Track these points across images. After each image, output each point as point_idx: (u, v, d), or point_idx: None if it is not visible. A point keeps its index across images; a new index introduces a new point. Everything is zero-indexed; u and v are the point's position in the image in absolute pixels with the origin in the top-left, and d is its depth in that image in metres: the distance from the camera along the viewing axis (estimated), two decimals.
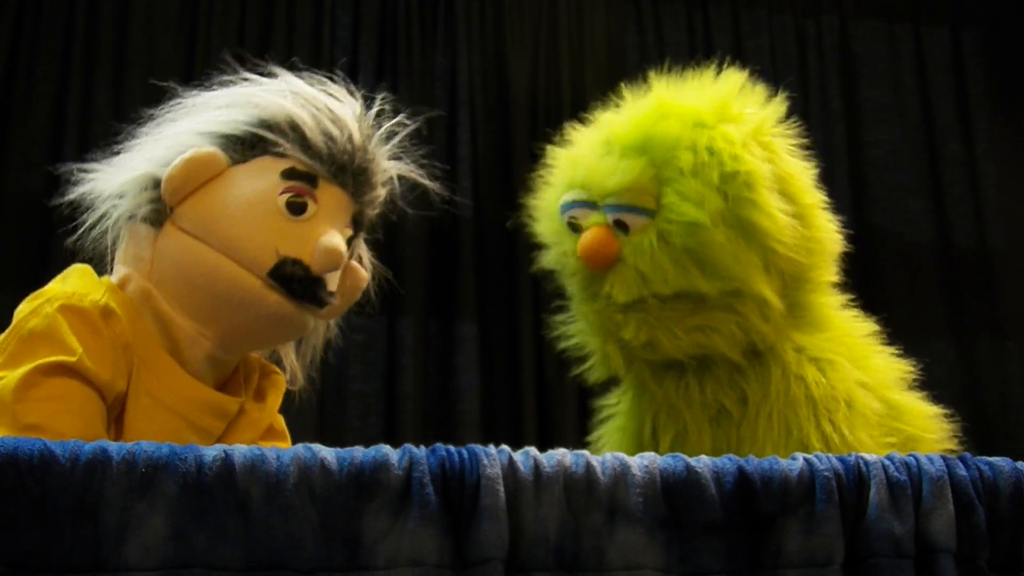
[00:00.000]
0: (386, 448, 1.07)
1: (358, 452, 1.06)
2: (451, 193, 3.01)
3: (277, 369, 1.51)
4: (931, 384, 3.16)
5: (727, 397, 1.61)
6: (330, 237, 1.35)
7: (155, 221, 1.36)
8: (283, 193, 1.35)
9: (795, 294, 1.64)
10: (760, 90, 1.70)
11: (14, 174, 2.83)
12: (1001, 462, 1.20)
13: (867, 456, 1.17)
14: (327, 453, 1.05)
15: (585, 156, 1.70)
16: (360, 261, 1.52)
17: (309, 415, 2.81)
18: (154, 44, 2.98)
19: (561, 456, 1.10)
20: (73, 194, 1.42)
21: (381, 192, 1.48)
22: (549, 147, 1.80)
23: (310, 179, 1.37)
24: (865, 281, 3.14)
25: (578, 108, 2.97)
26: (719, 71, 1.70)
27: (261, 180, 1.36)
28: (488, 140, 3.09)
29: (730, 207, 1.56)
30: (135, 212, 1.36)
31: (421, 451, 1.07)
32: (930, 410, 1.66)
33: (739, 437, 1.58)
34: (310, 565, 1.02)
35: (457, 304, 2.95)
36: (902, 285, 3.17)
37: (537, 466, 1.08)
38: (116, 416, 1.30)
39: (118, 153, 1.42)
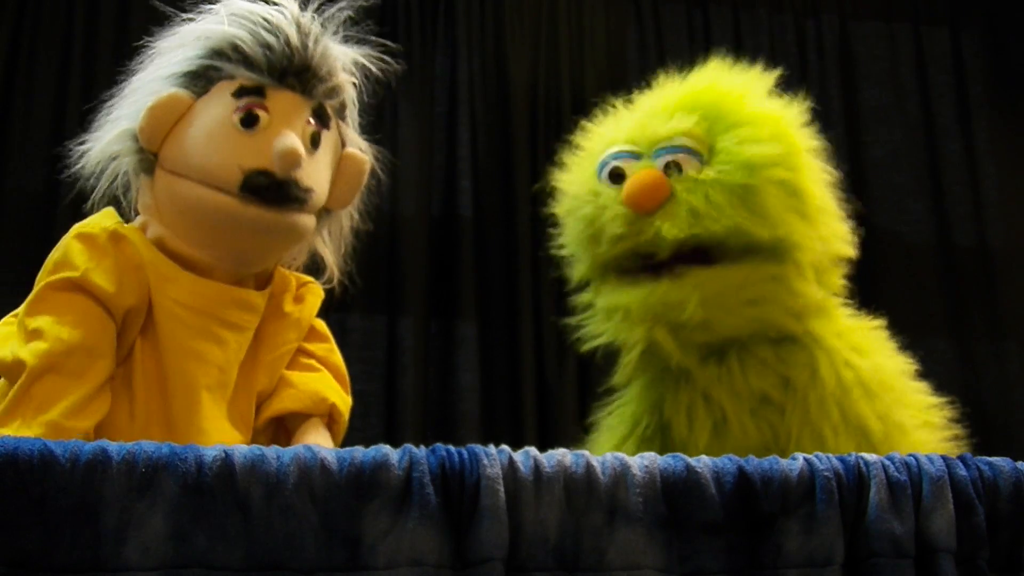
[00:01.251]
0: (386, 448, 1.07)
1: (358, 452, 1.06)
2: (451, 193, 3.03)
3: (312, 279, 1.59)
4: (931, 384, 3.16)
5: (770, 384, 1.60)
6: (282, 139, 1.41)
7: (148, 169, 1.46)
8: (236, 112, 1.42)
9: (824, 282, 1.67)
10: (786, 95, 1.74)
11: (13, 173, 2.83)
12: (1001, 462, 1.20)
13: (867, 456, 1.17)
14: (327, 453, 1.05)
15: (628, 120, 1.71)
16: (356, 149, 1.57)
17: None
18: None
19: (561, 456, 1.10)
20: (74, 168, 1.51)
21: (337, 80, 1.52)
22: (572, 136, 1.80)
23: (258, 91, 1.43)
24: (865, 281, 3.14)
25: (578, 108, 2.98)
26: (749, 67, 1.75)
27: (218, 106, 1.43)
28: (488, 140, 3.08)
29: (780, 162, 1.59)
30: (130, 166, 1.47)
31: (421, 451, 1.07)
32: (930, 399, 1.69)
33: (787, 424, 1.56)
34: (310, 565, 1.02)
35: (457, 304, 2.95)
36: (902, 285, 3.17)
37: (537, 466, 1.08)
38: (143, 328, 1.41)
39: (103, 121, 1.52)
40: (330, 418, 1.51)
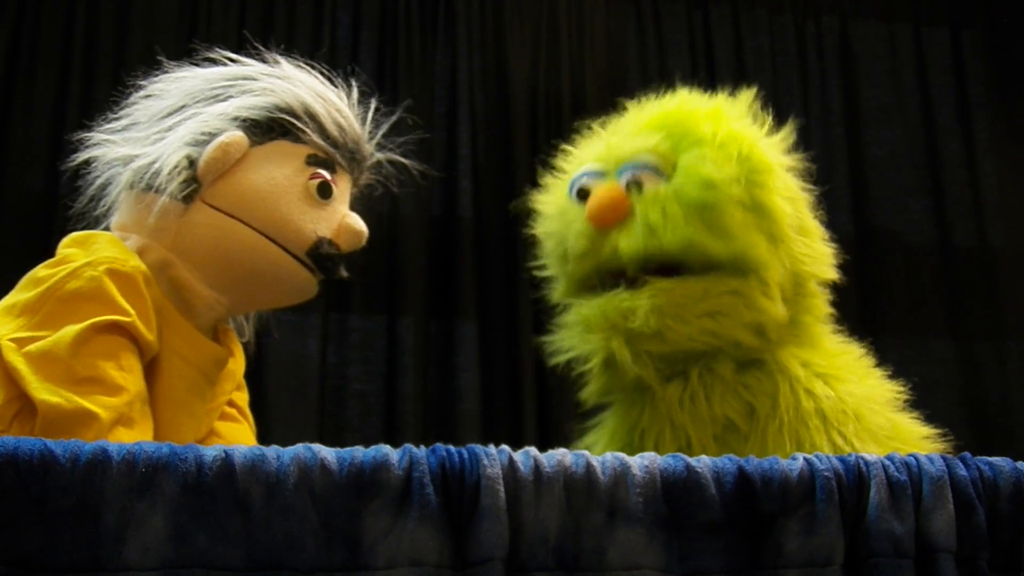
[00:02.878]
0: (386, 448, 1.07)
1: (358, 452, 1.06)
2: (451, 193, 3.03)
3: (228, 326, 1.59)
4: (931, 384, 3.16)
5: (734, 410, 1.59)
6: (357, 219, 1.52)
7: (186, 197, 1.44)
8: (312, 178, 1.49)
9: (796, 305, 1.65)
10: (768, 117, 1.73)
11: (14, 174, 2.83)
12: (1001, 462, 1.20)
13: (867, 456, 1.17)
14: (327, 453, 1.05)
15: (600, 138, 1.73)
16: None
17: (309, 415, 2.81)
18: (153, 45, 2.97)
19: (561, 456, 1.10)
20: (82, 157, 1.51)
21: (367, 175, 1.62)
22: (552, 156, 1.81)
23: (330, 165, 1.51)
24: (865, 281, 3.15)
25: (578, 108, 2.99)
26: (733, 90, 1.74)
27: (287, 165, 1.49)
28: (488, 140, 3.09)
29: (744, 182, 1.58)
30: (166, 187, 1.44)
31: (421, 451, 1.07)
32: (924, 431, 1.64)
33: (747, 452, 1.55)
34: (310, 565, 1.02)
35: (457, 304, 2.95)
36: (902, 285, 3.17)
37: (537, 466, 1.08)
38: (145, 374, 1.38)
39: (120, 120, 1.52)
40: None
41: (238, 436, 1.54)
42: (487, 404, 2.88)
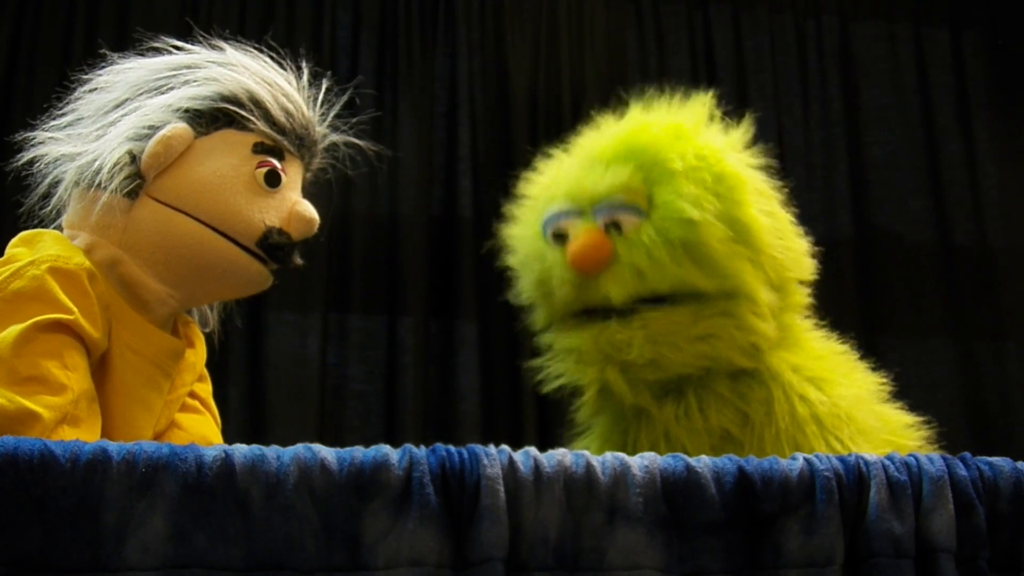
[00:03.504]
0: (386, 448, 1.07)
1: (358, 452, 1.06)
2: (451, 193, 3.03)
3: (190, 319, 1.58)
4: (931, 384, 3.16)
5: (729, 420, 1.59)
6: (307, 207, 1.47)
7: (130, 192, 1.42)
8: (259, 167, 1.45)
9: (780, 312, 1.64)
10: (726, 118, 1.72)
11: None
12: (1001, 462, 1.19)
13: (867, 456, 1.17)
14: (327, 453, 1.05)
15: (567, 172, 1.70)
16: None
17: (309, 415, 2.81)
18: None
19: (561, 456, 1.10)
20: (26, 157, 1.48)
21: (320, 159, 1.58)
22: (520, 177, 1.79)
23: (277, 152, 1.48)
24: (865, 281, 3.15)
25: (578, 108, 3.00)
26: (687, 95, 1.72)
27: (233, 155, 1.45)
28: (488, 140, 3.09)
29: (723, 206, 1.57)
30: (109, 183, 1.42)
31: (421, 451, 1.07)
32: (907, 419, 1.65)
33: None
34: (310, 565, 1.02)
35: (457, 304, 2.95)
36: (902, 285, 3.17)
37: (537, 466, 1.08)
38: (94, 371, 1.36)
39: (65, 116, 1.50)
40: None
41: (200, 428, 1.51)
42: (487, 404, 2.88)
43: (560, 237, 1.64)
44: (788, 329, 1.66)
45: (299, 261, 1.49)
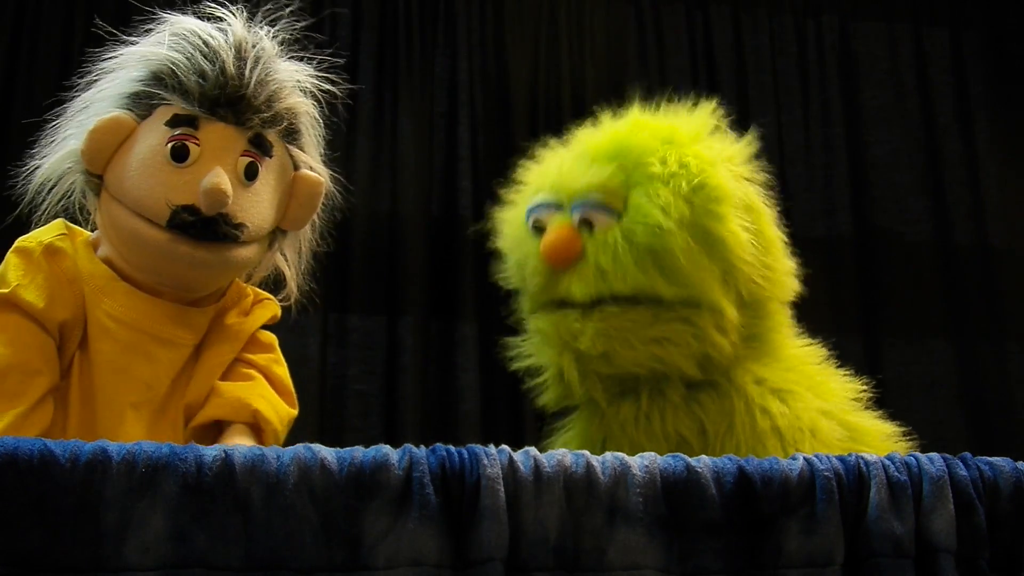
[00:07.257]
0: (386, 448, 1.07)
1: (358, 452, 1.06)
2: (451, 193, 3.03)
3: (269, 296, 1.57)
4: (931, 384, 3.16)
5: (686, 427, 1.59)
6: (209, 177, 1.36)
7: (95, 190, 1.44)
8: (168, 142, 1.38)
9: (752, 324, 1.64)
10: (731, 130, 1.71)
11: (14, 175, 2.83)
12: (1001, 462, 1.20)
13: (867, 456, 1.17)
14: (327, 453, 1.05)
15: (556, 164, 1.71)
16: (311, 169, 1.52)
17: (309, 415, 2.81)
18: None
19: (561, 456, 1.10)
20: (29, 188, 1.49)
21: (282, 105, 1.47)
22: (519, 165, 1.81)
23: (190, 122, 1.39)
24: (865, 281, 3.15)
25: (578, 108, 2.99)
26: (695, 101, 1.72)
27: (154, 134, 1.40)
28: (488, 140, 3.08)
29: (695, 217, 1.57)
30: (79, 186, 1.44)
31: (421, 451, 1.07)
32: (887, 429, 1.65)
33: None
34: (310, 565, 1.02)
35: (457, 304, 2.95)
36: (902, 285, 3.17)
37: (537, 466, 1.08)
38: (81, 342, 1.39)
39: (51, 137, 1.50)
40: (256, 425, 1.43)
41: (239, 392, 1.45)
42: (487, 404, 2.88)
43: (539, 228, 1.67)
44: (763, 342, 1.66)
45: (237, 234, 1.39)
